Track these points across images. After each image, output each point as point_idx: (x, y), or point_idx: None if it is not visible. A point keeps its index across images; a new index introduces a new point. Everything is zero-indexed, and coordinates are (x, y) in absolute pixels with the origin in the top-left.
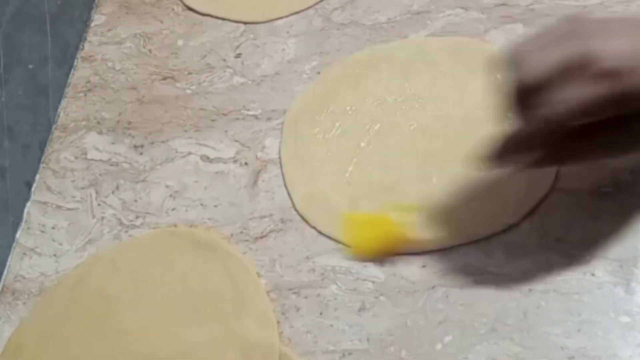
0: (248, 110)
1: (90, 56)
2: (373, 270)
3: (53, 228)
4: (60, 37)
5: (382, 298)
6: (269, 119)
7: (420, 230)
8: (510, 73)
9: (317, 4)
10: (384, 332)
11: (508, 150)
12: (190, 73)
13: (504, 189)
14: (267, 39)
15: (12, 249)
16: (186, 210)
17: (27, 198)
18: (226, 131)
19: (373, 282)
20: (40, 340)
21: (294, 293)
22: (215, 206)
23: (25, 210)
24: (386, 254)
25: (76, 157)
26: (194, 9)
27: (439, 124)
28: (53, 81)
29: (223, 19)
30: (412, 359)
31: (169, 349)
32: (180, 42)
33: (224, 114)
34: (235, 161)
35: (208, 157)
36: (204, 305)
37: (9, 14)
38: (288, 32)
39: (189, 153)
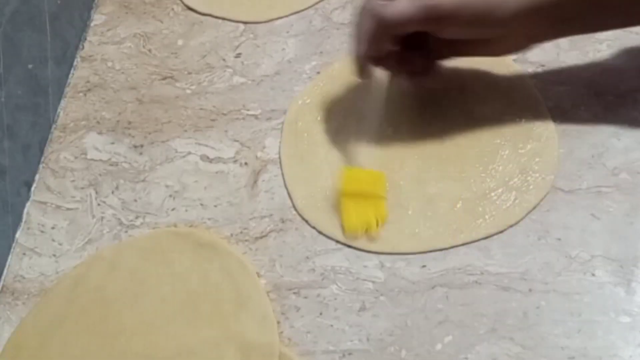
0: (248, 110)
1: (90, 56)
2: (373, 270)
3: (53, 228)
4: (60, 37)
5: (382, 298)
6: (269, 118)
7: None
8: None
9: (317, 3)
10: (384, 332)
11: (363, 60)
12: (190, 73)
13: (503, 189)
14: (267, 38)
15: (12, 249)
16: (186, 210)
17: (27, 198)
18: (226, 131)
19: (373, 282)
20: (40, 340)
21: (294, 293)
22: (215, 206)
23: (25, 210)
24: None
25: (76, 157)
26: (194, 9)
27: (439, 124)
28: (53, 81)
29: (223, 18)
30: (412, 359)
31: (169, 349)
32: (180, 42)
33: (224, 114)
34: (235, 161)
35: (208, 157)
36: (204, 305)
37: (9, 13)
38: (288, 32)
39: (189, 153)
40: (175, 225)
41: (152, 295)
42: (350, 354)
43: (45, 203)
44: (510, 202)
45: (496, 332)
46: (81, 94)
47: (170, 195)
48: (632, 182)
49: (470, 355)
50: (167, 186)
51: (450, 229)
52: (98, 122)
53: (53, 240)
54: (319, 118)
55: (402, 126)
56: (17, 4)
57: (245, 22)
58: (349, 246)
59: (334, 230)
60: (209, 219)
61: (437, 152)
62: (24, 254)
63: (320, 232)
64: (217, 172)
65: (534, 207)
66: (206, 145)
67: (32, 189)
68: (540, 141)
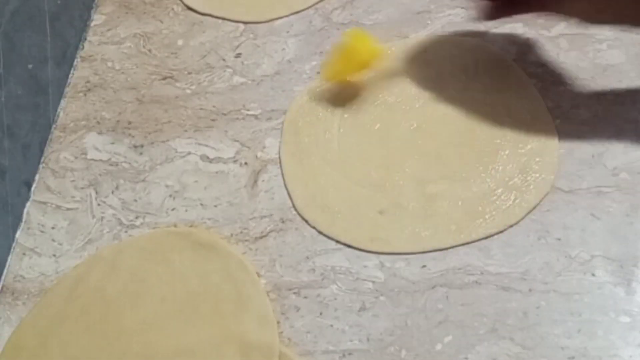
0: (248, 110)
1: (90, 56)
2: (373, 270)
3: (53, 228)
4: (60, 37)
5: (382, 298)
6: (269, 119)
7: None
8: None
9: (317, 3)
10: (384, 332)
11: None
12: (190, 73)
13: (503, 189)
14: (267, 38)
15: (12, 249)
16: (186, 210)
17: (27, 198)
18: (226, 131)
19: (373, 282)
20: (40, 340)
21: (294, 293)
22: (215, 206)
23: (25, 210)
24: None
25: (76, 157)
26: (194, 9)
27: (439, 124)
28: (53, 81)
29: (223, 18)
30: (412, 359)
31: (169, 349)
32: (180, 42)
33: (224, 114)
34: (235, 161)
35: (208, 157)
36: (204, 305)
37: (9, 13)
38: (288, 32)
39: (189, 153)
40: (175, 225)
41: (152, 295)
42: (350, 354)
43: (45, 203)
44: (510, 202)
45: (496, 332)
46: (81, 94)
47: (170, 195)
48: (632, 182)
49: (470, 355)
50: (167, 186)
51: (450, 229)
52: (98, 122)
53: (53, 240)
54: (319, 118)
55: (402, 126)
56: (17, 4)
57: (245, 22)
58: (349, 246)
59: (334, 230)
60: (209, 219)
61: (437, 152)
62: (24, 254)
63: (320, 232)
64: (217, 172)
65: (534, 207)
66: (206, 145)
67: (32, 189)
68: (540, 141)
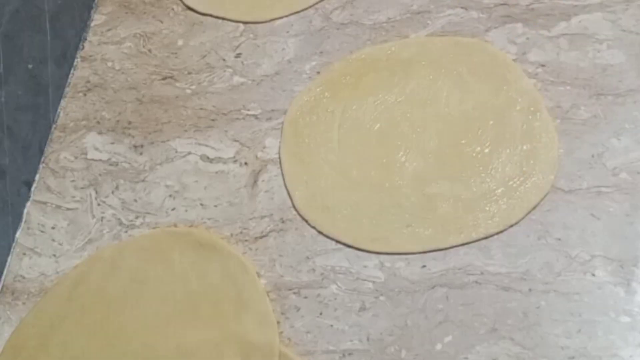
0: (248, 110)
1: (90, 56)
2: (373, 270)
3: (53, 228)
4: (60, 37)
5: (382, 298)
6: (269, 119)
7: None
8: None
9: (317, 3)
10: (384, 332)
11: None
12: (190, 73)
13: (503, 189)
14: (267, 38)
15: (12, 249)
16: (186, 210)
17: (27, 198)
18: (226, 131)
19: (373, 282)
20: (40, 340)
21: (294, 293)
22: (215, 206)
23: (25, 210)
24: None
25: (76, 157)
26: (194, 9)
27: (439, 124)
28: (53, 81)
29: (223, 18)
30: (412, 359)
31: (169, 349)
32: (180, 42)
33: (224, 114)
34: (235, 161)
35: (208, 157)
36: (204, 305)
37: (9, 13)
38: (288, 32)
39: (189, 153)
40: (175, 225)
41: (152, 295)
42: (350, 354)
43: (45, 203)
44: (510, 202)
45: (496, 332)
46: (81, 94)
47: (170, 195)
48: (632, 182)
49: (470, 355)
50: (167, 186)
51: (450, 229)
52: (98, 122)
53: (53, 240)
54: (319, 118)
55: (402, 126)
56: (17, 4)
57: (245, 22)
58: (349, 246)
59: (334, 230)
60: (209, 219)
61: (437, 152)
62: (24, 254)
63: (320, 232)
64: (217, 172)
65: (534, 207)
66: (206, 145)
67: (32, 189)
68: (540, 141)
